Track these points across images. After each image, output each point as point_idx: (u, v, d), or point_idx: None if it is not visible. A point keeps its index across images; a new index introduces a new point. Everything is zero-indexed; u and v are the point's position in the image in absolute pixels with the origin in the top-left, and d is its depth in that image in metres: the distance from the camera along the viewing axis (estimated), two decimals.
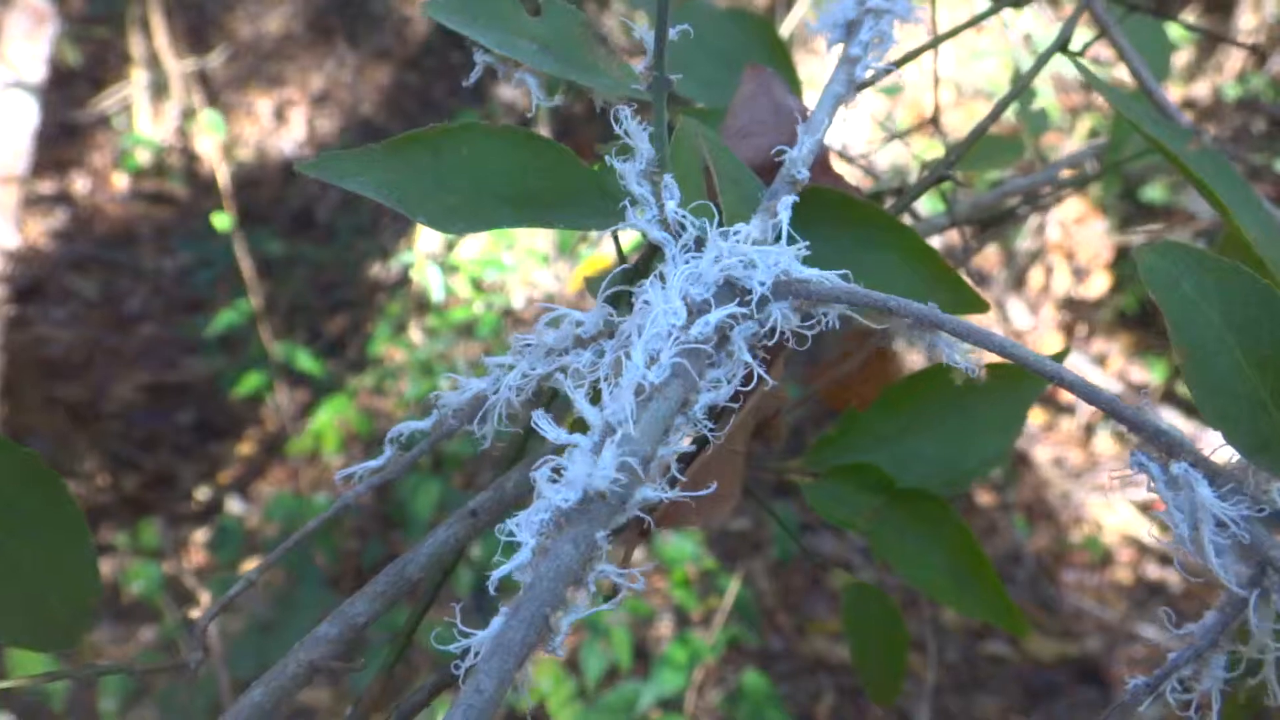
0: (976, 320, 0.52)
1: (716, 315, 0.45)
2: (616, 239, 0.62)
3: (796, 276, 0.45)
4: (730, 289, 0.46)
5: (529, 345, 0.50)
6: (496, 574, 0.40)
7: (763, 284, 0.45)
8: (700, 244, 0.48)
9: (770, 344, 0.47)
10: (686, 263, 0.47)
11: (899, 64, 0.67)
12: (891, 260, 0.58)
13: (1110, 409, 0.37)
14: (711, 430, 0.47)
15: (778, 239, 0.48)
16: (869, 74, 0.59)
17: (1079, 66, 0.56)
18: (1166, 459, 0.39)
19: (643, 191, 0.49)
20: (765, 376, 0.45)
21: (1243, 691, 0.42)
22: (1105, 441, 2.80)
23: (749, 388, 0.46)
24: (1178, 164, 0.48)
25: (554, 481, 0.41)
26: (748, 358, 0.46)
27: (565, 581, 0.41)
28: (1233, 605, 0.37)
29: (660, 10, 0.50)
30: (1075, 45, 0.66)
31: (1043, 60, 0.63)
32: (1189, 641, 0.39)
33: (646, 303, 0.47)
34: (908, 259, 0.58)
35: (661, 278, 0.47)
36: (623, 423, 0.44)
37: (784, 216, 0.49)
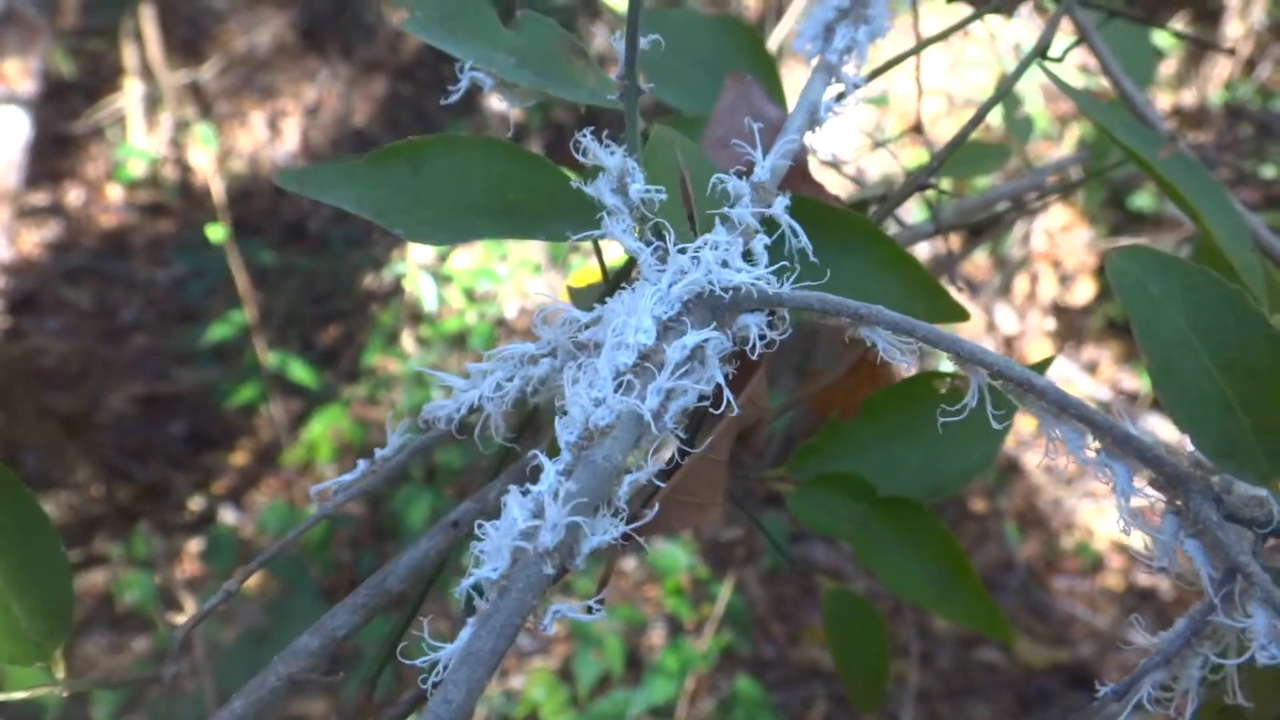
0: (960, 329, 0.52)
1: (693, 339, 0.45)
2: (599, 250, 0.62)
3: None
4: (701, 301, 0.46)
5: (504, 357, 0.50)
6: (464, 585, 0.40)
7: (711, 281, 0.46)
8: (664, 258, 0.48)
9: (746, 356, 0.47)
10: (659, 272, 0.47)
11: (883, 69, 0.68)
12: (870, 268, 0.58)
13: (1079, 414, 0.37)
14: (687, 441, 0.48)
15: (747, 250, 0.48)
16: (852, 83, 0.59)
17: (1050, 75, 0.57)
18: (1138, 466, 0.40)
19: (616, 202, 0.49)
20: (733, 402, 0.45)
21: (1219, 696, 0.42)
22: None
23: (722, 410, 0.46)
24: (1148, 169, 0.48)
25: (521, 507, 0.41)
26: (718, 375, 0.46)
27: (537, 593, 0.41)
28: (1201, 610, 0.37)
29: (631, 19, 0.50)
30: (1056, 52, 0.67)
31: (1022, 68, 0.63)
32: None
33: (618, 317, 0.47)
34: (886, 267, 0.58)
35: (632, 289, 0.47)
36: (604, 430, 0.44)
37: (774, 210, 0.49)
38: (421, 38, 0.56)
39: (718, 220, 0.49)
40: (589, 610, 0.41)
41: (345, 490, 0.57)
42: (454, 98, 0.55)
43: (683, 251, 0.48)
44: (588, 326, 0.50)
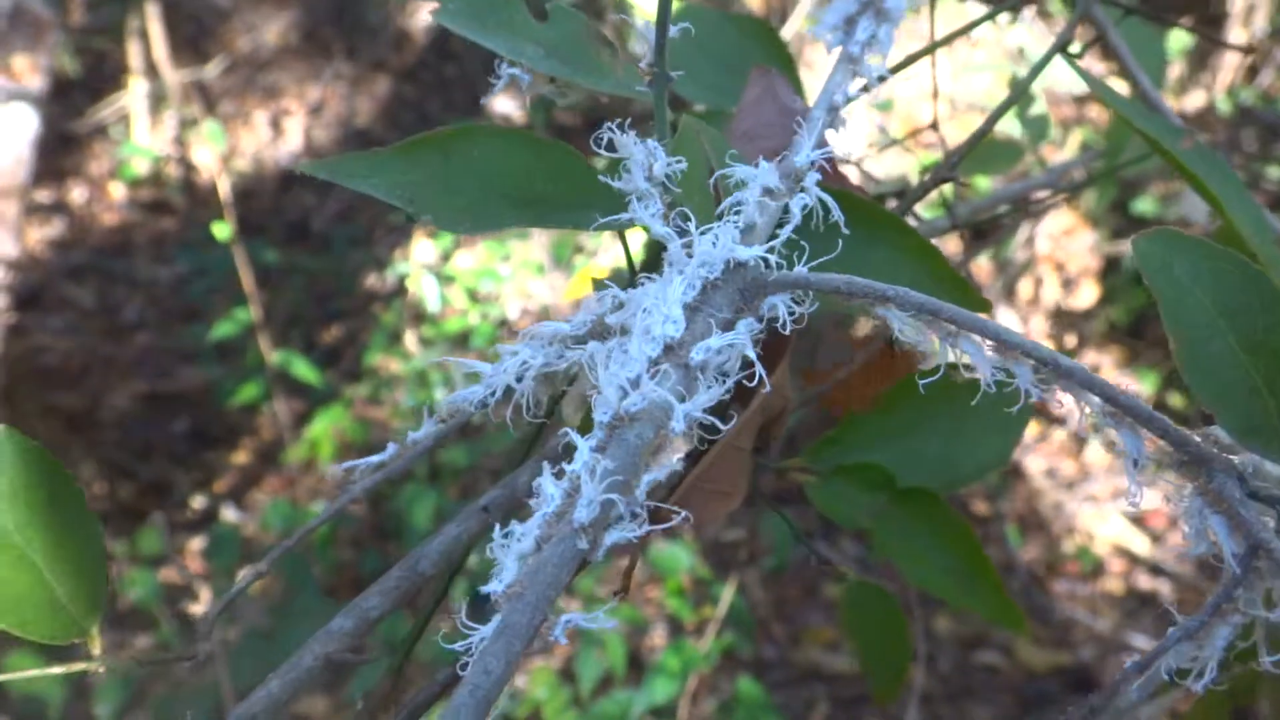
0: None
1: (718, 342, 0.46)
2: (624, 240, 0.63)
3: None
4: (729, 281, 0.47)
5: (535, 337, 0.51)
6: (489, 587, 0.41)
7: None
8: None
9: (771, 340, 0.48)
10: (686, 258, 0.48)
11: (897, 69, 0.68)
12: (895, 259, 0.58)
13: (1104, 394, 0.38)
14: (712, 428, 0.48)
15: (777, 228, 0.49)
16: (874, 75, 0.60)
17: (1075, 68, 0.58)
18: (1162, 446, 0.40)
19: (647, 186, 0.50)
20: (765, 378, 0.46)
21: (1225, 682, 0.42)
22: (1097, 452, 2.81)
23: (753, 384, 0.46)
24: (1171, 159, 0.49)
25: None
26: (751, 353, 0.46)
27: (571, 569, 0.42)
28: (1226, 585, 0.38)
29: (661, 7, 0.51)
30: (1074, 50, 0.68)
31: (1043, 62, 0.64)
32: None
33: (646, 303, 0.48)
34: (911, 258, 0.59)
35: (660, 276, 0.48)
36: (636, 416, 0.44)
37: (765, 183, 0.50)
38: (452, 29, 0.57)
39: (749, 184, 0.50)
40: (596, 620, 0.42)
41: (373, 472, 0.57)
42: (495, 92, 0.56)
43: (707, 234, 0.48)
44: (616, 311, 0.51)
